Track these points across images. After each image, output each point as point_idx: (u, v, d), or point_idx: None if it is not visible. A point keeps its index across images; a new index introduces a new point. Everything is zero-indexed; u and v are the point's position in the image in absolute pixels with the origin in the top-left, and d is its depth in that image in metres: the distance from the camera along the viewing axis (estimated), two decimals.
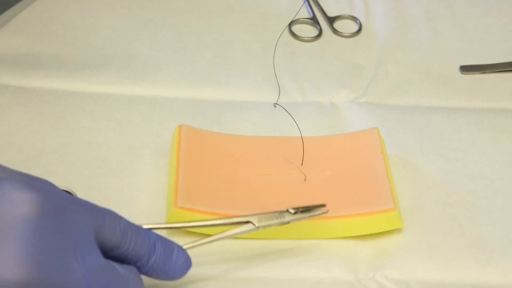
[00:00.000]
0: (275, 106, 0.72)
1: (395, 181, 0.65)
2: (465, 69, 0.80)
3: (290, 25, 0.84)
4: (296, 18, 0.85)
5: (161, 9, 0.85)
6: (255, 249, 0.60)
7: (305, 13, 0.86)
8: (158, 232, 0.55)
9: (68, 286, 0.46)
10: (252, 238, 0.61)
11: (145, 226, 0.55)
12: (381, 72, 0.79)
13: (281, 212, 0.58)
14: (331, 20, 0.85)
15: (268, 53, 0.80)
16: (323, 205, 0.59)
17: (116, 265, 0.50)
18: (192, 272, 0.59)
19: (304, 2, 0.87)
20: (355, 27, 0.85)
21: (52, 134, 0.69)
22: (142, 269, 0.53)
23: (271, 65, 0.79)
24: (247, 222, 0.57)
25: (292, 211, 0.58)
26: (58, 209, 0.47)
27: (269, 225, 0.58)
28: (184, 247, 0.55)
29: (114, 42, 0.80)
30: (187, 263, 0.55)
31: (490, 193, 0.66)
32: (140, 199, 0.64)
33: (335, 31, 0.84)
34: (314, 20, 0.85)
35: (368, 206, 0.61)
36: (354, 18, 0.86)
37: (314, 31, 0.84)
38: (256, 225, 0.57)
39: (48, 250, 0.46)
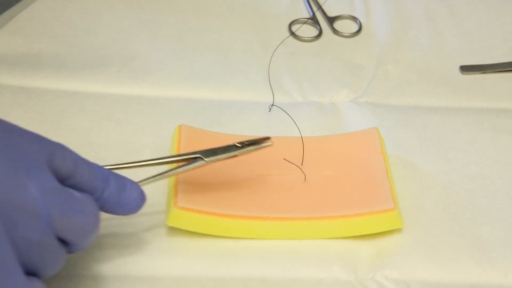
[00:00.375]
0: (269, 110, 0.73)
1: (395, 181, 0.65)
2: (465, 69, 0.80)
3: (290, 25, 0.84)
4: (296, 18, 0.85)
5: (161, 9, 0.85)
6: (255, 249, 0.60)
7: (305, 13, 0.86)
8: None
9: (26, 205, 0.48)
10: (252, 238, 0.61)
11: (107, 167, 0.56)
12: (381, 72, 0.79)
13: (229, 146, 0.61)
14: (331, 20, 0.85)
15: (268, 53, 0.80)
16: (267, 138, 0.62)
17: (71, 190, 0.51)
18: (192, 271, 0.59)
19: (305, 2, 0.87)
20: (355, 27, 0.85)
21: (52, 134, 0.68)
22: (97, 203, 0.54)
23: (272, 65, 0.79)
24: (196, 158, 0.60)
25: (239, 144, 0.61)
26: (8, 134, 0.49)
27: (217, 159, 0.60)
28: (138, 182, 0.57)
29: (114, 42, 0.80)
30: (141, 197, 0.56)
31: (490, 193, 0.66)
32: None
33: (335, 31, 0.84)
34: (314, 20, 0.85)
35: (368, 206, 0.61)
36: (354, 18, 0.86)
37: (314, 31, 0.84)
38: (206, 159, 0.59)
39: (1, 171, 0.47)
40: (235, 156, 0.61)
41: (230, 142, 0.67)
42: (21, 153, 0.49)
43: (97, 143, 0.68)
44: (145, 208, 0.63)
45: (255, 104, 0.74)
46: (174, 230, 0.60)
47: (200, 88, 0.76)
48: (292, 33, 0.83)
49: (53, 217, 0.49)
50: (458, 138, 0.71)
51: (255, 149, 0.61)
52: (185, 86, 0.76)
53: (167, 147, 0.67)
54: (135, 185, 0.56)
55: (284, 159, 0.64)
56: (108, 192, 0.54)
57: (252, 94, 0.76)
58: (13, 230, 0.47)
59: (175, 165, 0.61)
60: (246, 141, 0.61)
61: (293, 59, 0.80)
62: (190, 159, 0.60)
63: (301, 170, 0.64)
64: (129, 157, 0.67)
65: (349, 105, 0.75)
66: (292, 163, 0.64)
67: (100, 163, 0.66)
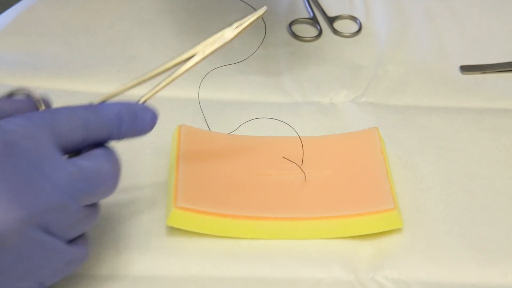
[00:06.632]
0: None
1: (395, 181, 0.65)
2: (465, 69, 0.80)
3: (290, 25, 0.84)
4: (296, 18, 0.85)
5: (161, 9, 0.85)
6: (255, 249, 0.60)
7: (305, 13, 0.86)
8: None
9: (55, 205, 0.49)
10: (252, 238, 0.61)
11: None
12: (381, 72, 0.79)
13: (222, 31, 0.59)
14: (331, 20, 0.85)
15: (268, 53, 0.80)
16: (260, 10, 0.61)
17: (84, 163, 0.52)
18: (192, 271, 0.59)
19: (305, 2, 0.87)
20: (355, 27, 0.85)
21: None
22: (116, 139, 0.55)
23: (271, 65, 0.79)
24: (194, 55, 0.58)
25: (235, 25, 0.60)
26: (8, 146, 0.49)
27: (215, 49, 0.59)
28: (143, 99, 0.57)
29: (114, 42, 0.80)
30: (155, 115, 0.57)
31: (490, 193, 0.66)
32: (140, 199, 0.64)
33: (335, 31, 0.84)
34: (314, 20, 0.85)
35: (368, 206, 0.61)
36: (354, 18, 0.86)
37: (314, 31, 0.84)
38: (203, 55, 0.58)
39: (19, 185, 0.48)
40: (233, 39, 0.59)
41: (230, 142, 0.67)
42: (27, 158, 0.49)
43: None
44: (145, 208, 0.63)
45: (255, 104, 0.74)
46: (174, 230, 0.60)
47: (200, 88, 0.76)
48: (292, 33, 0.83)
49: (79, 200, 0.51)
50: (458, 138, 0.71)
51: (252, 22, 0.61)
52: (185, 86, 0.76)
53: (167, 147, 0.67)
54: (145, 108, 0.56)
55: (284, 157, 0.65)
56: (124, 128, 0.55)
57: (252, 94, 0.76)
58: (52, 227, 0.49)
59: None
60: (241, 21, 0.60)
61: (293, 59, 0.80)
62: (187, 58, 0.58)
63: (301, 169, 0.64)
64: (129, 156, 0.67)
65: (349, 105, 0.75)
66: (292, 161, 0.64)
67: None
